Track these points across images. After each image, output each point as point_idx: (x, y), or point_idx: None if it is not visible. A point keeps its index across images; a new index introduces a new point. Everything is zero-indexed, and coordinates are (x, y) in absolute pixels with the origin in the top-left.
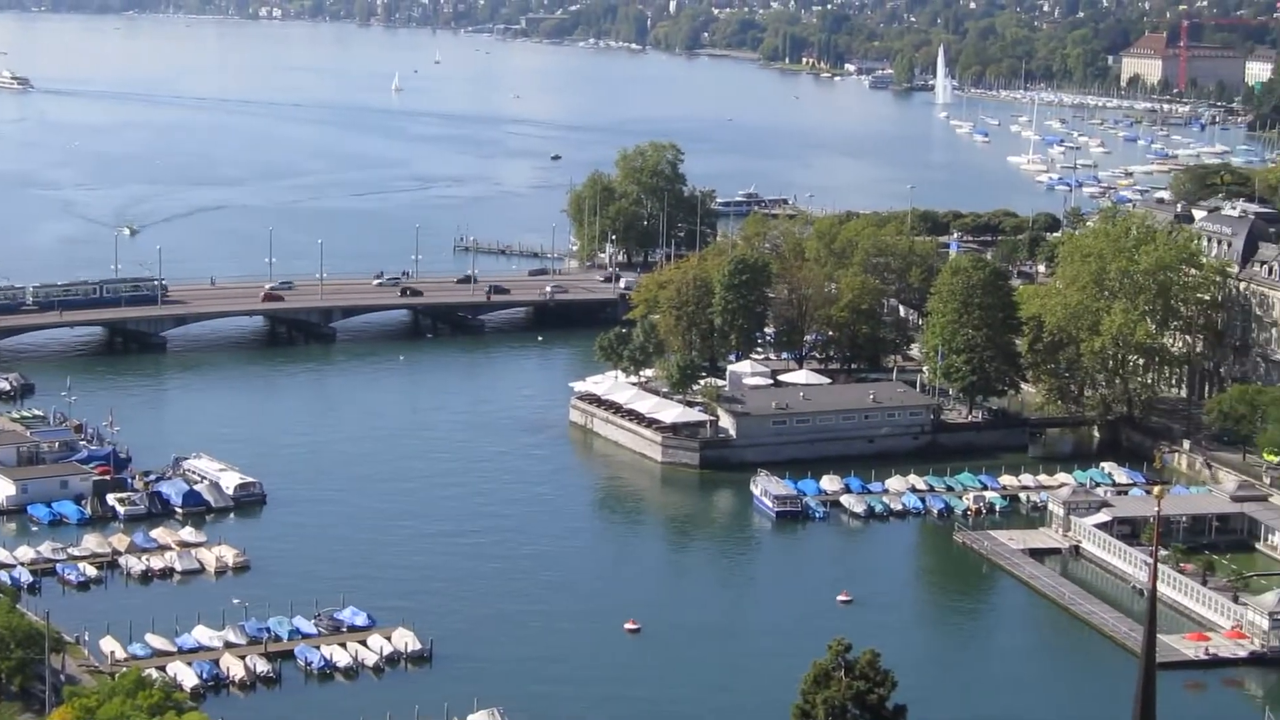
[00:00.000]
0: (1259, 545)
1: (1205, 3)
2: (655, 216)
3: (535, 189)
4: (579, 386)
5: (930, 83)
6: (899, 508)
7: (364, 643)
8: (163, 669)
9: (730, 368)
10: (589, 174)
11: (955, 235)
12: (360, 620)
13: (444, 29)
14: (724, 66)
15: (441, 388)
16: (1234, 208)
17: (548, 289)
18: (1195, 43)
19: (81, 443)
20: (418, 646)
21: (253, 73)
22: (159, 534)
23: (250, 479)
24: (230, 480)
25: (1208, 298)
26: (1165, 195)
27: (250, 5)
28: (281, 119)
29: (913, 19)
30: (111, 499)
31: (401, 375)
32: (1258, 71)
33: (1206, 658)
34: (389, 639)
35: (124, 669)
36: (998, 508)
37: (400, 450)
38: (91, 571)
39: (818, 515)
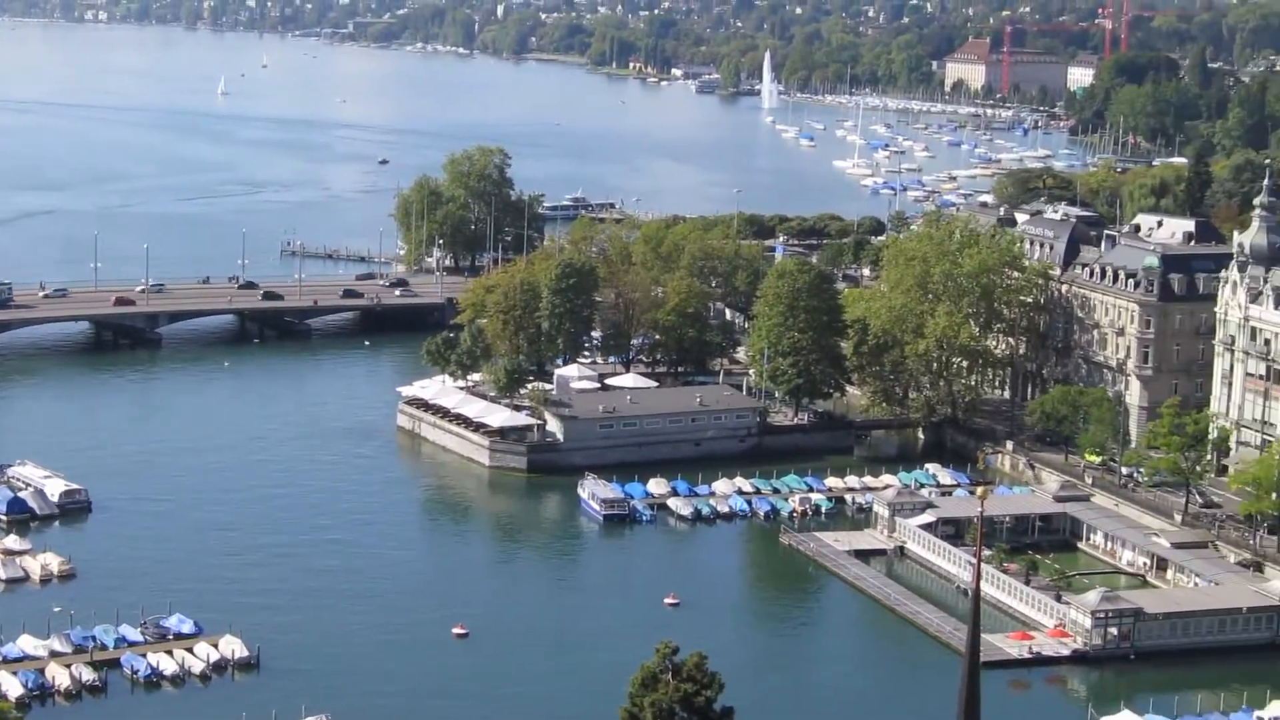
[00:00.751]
0: (1081, 545)
1: (1028, 9)
2: (483, 221)
3: (363, 193)
4: (407, 391)
5: (757, 87)
6: (726, 510)
7: (191, 650)
8: None
9: (557, 371)
10: (416, 178)
11: (781, 239)
12: (187, 628)
13: (271, 33)
14: (552, 71)
15: (269, 394)
16: (1056, 211)
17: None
18: (1018, 48)
19: None
20: (245, 654)
21: (78, 76)
22: None
23: (76, 486)
24: (55, 487)
25: (1030, 300)
26: (989, 199)
27: (76, 8)
28: (108, 123)
29: (739, 24)
30: None
31: (228, 382)
32: (1079, 77)
33: (1030, 656)
34: (216, 647)
35: None
36: (823, 509)
37: (227, 457)
38: None
39: (645, 518)
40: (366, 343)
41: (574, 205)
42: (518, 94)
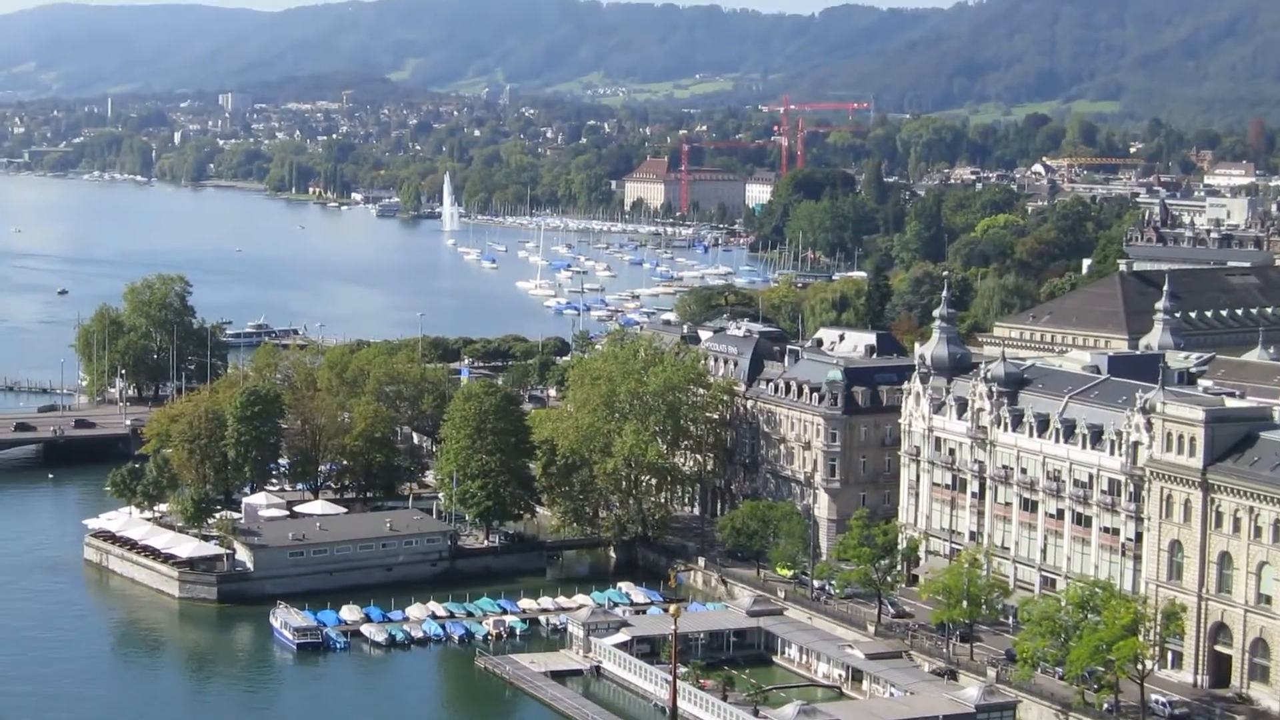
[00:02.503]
0: (776, 658)
1: (704, 127)
2: (165, 350)
3: (43, 324)
4: (93, 524)
5: (437, 210)
6: (420, 635)
7: None
8: None
9: (245, 500)
10: (97, 308)
11: (466, 361)
12: None
13: None
14: (231, 197)
15: None
16: (739, 327)
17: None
18: (696, 167)
19: None
20: None
21: None
22: None
23: None
24: None
25: (717, 416)
26: (672, 317)
27: None
28: None
29: (418, 147)
30: None
31: None
32: (757, 193)
33: None
34: None
35: None
36: (518, 631)
37: None
38: None
39: (339, 646)
40: (50, 475)
41: (257, 332)
42: (197, 221)
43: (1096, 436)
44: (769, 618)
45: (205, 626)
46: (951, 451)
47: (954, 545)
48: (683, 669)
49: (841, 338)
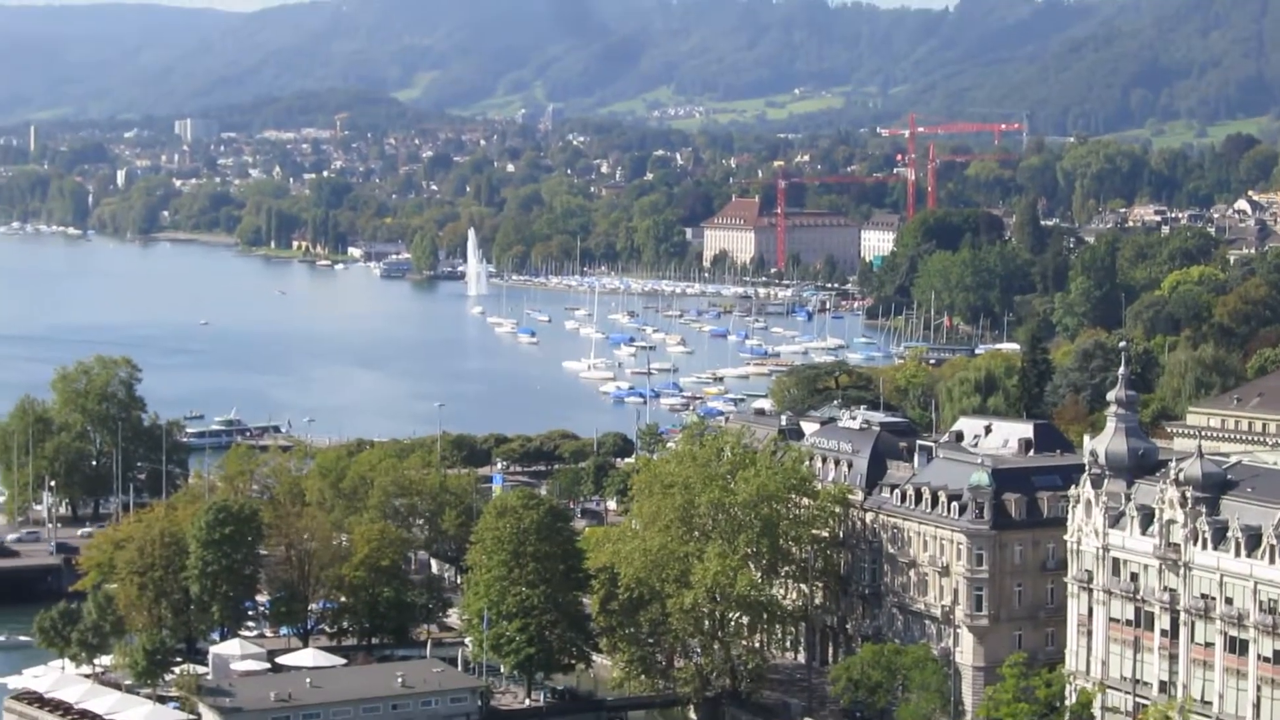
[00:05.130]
0: None
1: (806, 158)
2: (107, 454)
3: None
4: (14, 683)
5: (460, 269)
6: None
7: None
8: None
9: (214, 649)
10: (18, 401)
11: (500, 466)
12: None
13: None
14: (192, 254)
15: None
16: (854, 417)
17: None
18: (796, 209)
19: None
20: None
21: None
22: None
23: None
24: None
25: (826, 534)
26: (766, 405)
27: None
28: None
29: (434, 187)
30: None
31: None
32: (876, 243)
33: None
34: None
35: None
36: None
37: None
38: None
39: None
40: None
41: (226, 430)
42: (148, 286)
43: None
44: None
45: None
46: (1134, 576)
47: (1139, 699)
48: None
49: (988, 430)
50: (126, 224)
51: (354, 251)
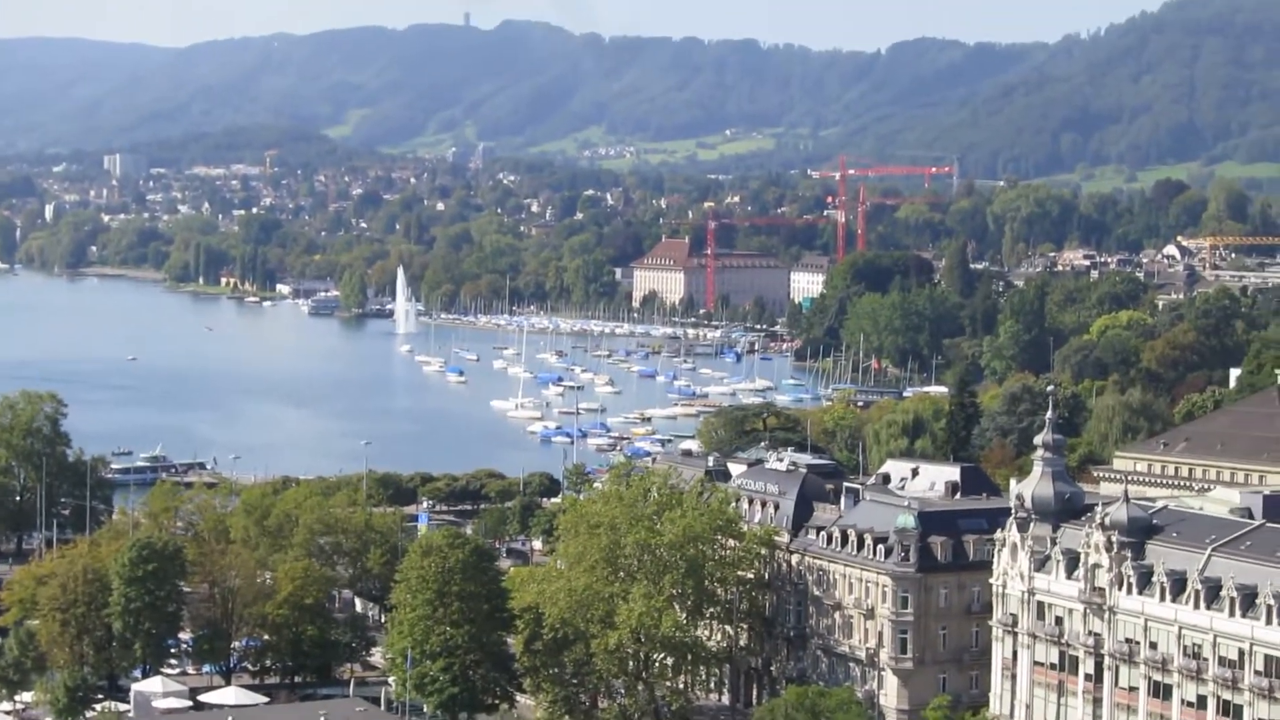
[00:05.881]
0: None
1: (738, 199)
2: (31, 490)
3: None
4: None
5: (389, 306)
6: None
7: None
8: None
9: (136, 686)
10: None
11: (425, 505)
12: None
13: None
14: (120, 289)
15: None
16: (781, 459)
17: None
18: (726, 250)
19: None
20: None
21: None
22: None
23: None
24: None
25: (752, 576)
26: (693, 446)
27: None
28: None
29: (364, 225)
30: None
31: None
32: (806, 285)
33: None
34: None
35: None
36: None
37: None
38: None
39: None
40: None
41: (151, 466)
42: (75, 321)
43: (1249, 601)
44: None
45: None
46: (1059, 620)
47: None
48: None
49: (915, 472)
50: (54, 258)
51: (282, 288)
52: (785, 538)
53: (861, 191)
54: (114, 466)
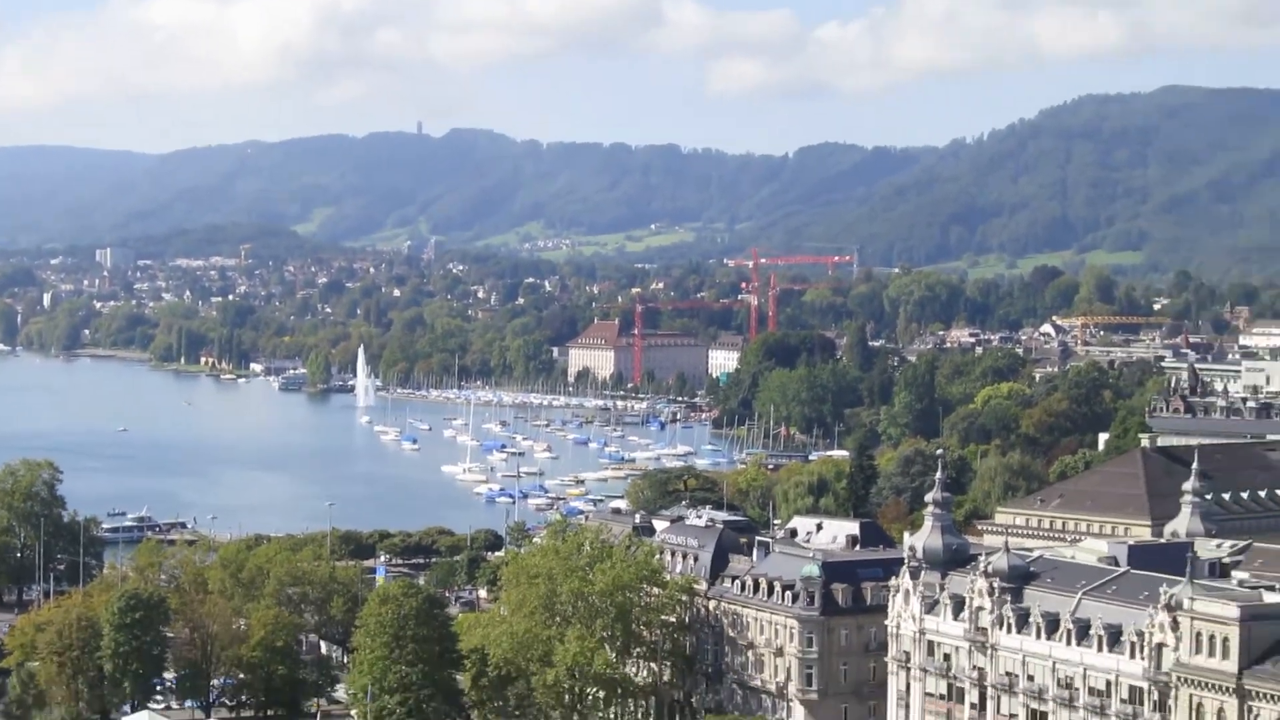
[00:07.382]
0: None
1: (661, 285)
2: (30, 548)
3: None
4: None
5: (350, 383)
6: None
7: None
8: None
9: None
10: None
11: (383, 558)
12: None
13: None
14: (110, 368)
15: None
16: (700, 516)
17: None
18: (651, 330)
19: None
20: None
21: None
22: None
23: None
24: None
25: (674, 619)
26: (622, 505)
27: None
28: None
29: (328, 310)
30: None
31: None
32: (722, 361)
33: None
34: None
35: None
36: None
37: None
38: None
39: None
40: None
41: (138, 526)
42: (70, 396)
43: (1115, 638)
44: None
45: None
46: (947, 657)
47: None
48: None
49: (819, 527)
50: (51, 341)
51: (255, 367)
52: (704, 585)
53: (772, 278)
54: (104, 526)
